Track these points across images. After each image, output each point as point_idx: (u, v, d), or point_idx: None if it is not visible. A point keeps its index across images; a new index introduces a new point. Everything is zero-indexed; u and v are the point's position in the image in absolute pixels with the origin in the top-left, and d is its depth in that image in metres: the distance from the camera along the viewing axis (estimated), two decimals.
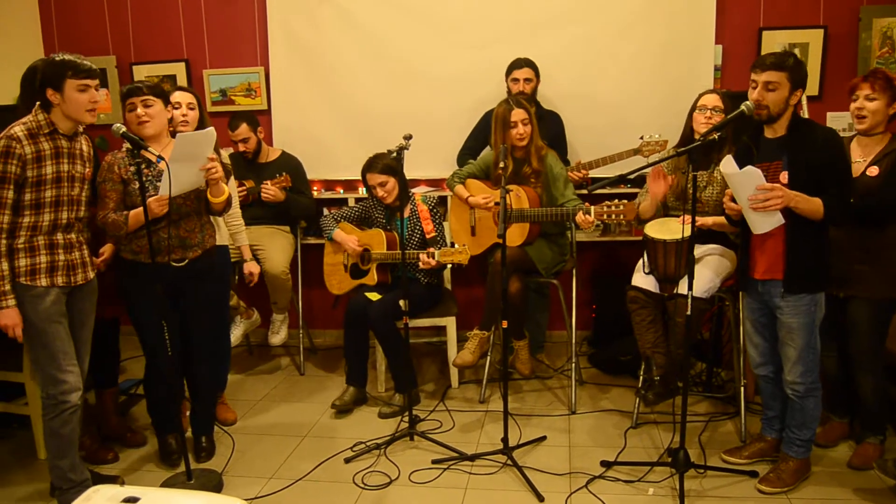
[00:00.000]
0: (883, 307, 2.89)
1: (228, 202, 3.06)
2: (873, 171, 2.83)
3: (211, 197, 2.94)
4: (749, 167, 2.55)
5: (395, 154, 3.22)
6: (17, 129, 2.53)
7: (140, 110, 2.81)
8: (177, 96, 3.25)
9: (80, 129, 2.71)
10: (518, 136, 3.50)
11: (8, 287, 2.54)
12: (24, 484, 3.03)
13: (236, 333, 4.07)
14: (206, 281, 3.08)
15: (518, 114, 3.49)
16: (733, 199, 2.73)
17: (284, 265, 3.94)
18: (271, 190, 3.97)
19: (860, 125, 2.86)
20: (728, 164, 2.60)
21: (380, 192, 3.70)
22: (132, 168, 2.82)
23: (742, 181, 2.59)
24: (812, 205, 2.56)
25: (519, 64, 3.93)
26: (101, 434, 3.33)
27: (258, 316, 4.17)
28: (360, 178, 3.80)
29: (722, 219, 3.03)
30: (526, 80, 3.90)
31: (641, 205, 3.31)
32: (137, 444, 3.34)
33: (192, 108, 3.28)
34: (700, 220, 3.03)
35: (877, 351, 2.92)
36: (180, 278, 2.97)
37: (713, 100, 3.22)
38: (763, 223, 2.64)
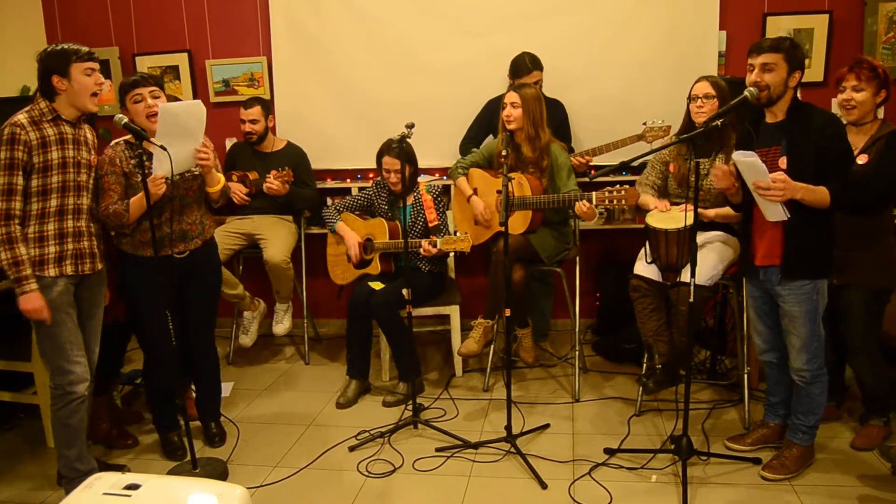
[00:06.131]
0: (877, 295, 2.89)
1: (224, 192, 3.08)
2: (862, 158, 2.82)
3: (207, 187, 2.99)
4: (755, 160, 2.53)
5: (396, 144, 3.22)
6: (20, 116, 2.55)
7: (150, 100, 2.82)
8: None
9: (84, 116, 2.71)
10: (505, 118, 3.50)
11: (29, 271, 2.54)
12: (33, 472, 3.06)
13: (252, 329, 4.08)
14: (206, 271, 3.10)
15: (510, 96, 3.51)
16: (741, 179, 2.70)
17: (285, 254, 3.95)
18: (275, 184, 3.96)
19: (849, 116, 2.86)
20: (737, 152, 2.60)
21: (392, 178, 3.70)
22: (133, 161, 2.83)
23: (748, 169, 2.57)
24: (818, 195, 2.53)
25: (527, 69, 3.82)
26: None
27: (264, 306, 4.19)
28: (361, 167, 3.78)
29: (723, 210, 3.02)
30: (536, 83, 3.82)
31: (642, 197, 3.31)
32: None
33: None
34: (701, 213, 3.02)
35: (871, 336, 2.92)
36: (181, 270, 2.98)
37: (703, 88, 3.20)
38: (770, 212, 2.63)
